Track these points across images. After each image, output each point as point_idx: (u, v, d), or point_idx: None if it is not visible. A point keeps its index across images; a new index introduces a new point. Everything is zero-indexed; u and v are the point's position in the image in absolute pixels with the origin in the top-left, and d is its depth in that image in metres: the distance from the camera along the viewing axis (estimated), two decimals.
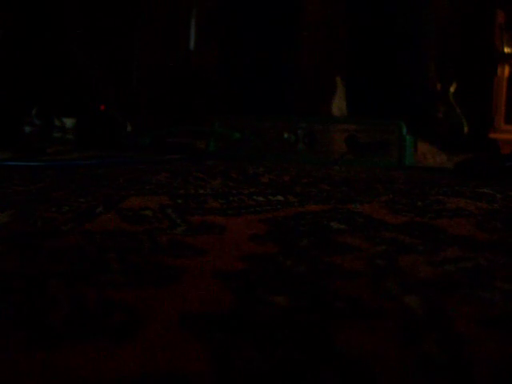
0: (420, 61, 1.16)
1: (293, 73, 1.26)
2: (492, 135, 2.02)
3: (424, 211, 0.44)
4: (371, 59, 1.15)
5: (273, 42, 1.20)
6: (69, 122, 1.26)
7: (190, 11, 2.06)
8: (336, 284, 0.25)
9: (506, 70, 2.05)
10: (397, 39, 1.13)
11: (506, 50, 2.02)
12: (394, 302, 0.22)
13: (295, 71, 1.28)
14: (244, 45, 1.26)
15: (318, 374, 0.16)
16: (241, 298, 0.22)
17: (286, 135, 0.92)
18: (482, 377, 0.16)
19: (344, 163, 0.88)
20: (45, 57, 1.62)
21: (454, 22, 1.86)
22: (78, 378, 0.16)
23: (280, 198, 0.48)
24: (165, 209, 0.42)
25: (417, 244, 0.32)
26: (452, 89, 1.88)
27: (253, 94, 1.22)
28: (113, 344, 0.18)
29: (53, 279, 0.24)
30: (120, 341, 0.18)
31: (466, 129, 1.87)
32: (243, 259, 0.28)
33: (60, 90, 1.56)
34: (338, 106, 2.20)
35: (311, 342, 0.18)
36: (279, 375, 0.16)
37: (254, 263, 0.28)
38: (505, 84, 2.05)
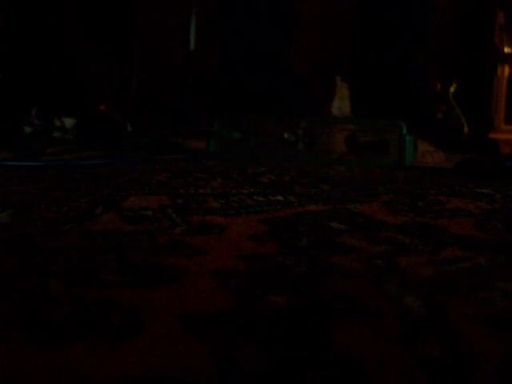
0: (422, 62, 1.17)
1: (287, 73, 1.27)
2: (492, 135, 2.02)
3: (424, 211, 0.44)
4: (375, 60, 1.15)
5: (269, 42, 1.21)
6: (69, 122, 1.26)
7: (190, 11, 2.06)
8: (336, 284, 0.25)
9: (506, 70, 2.05)
10: (401, 40, 1.14)
11: (506, 49, 2.02)
12: (394, 302, 0.22)
13: (289, 72, 1.29)
14: (243, 47, 1.26)
15: (318, 374, 0.16)
16: (241, 298, 0.22)
17: (286, 135, 0.92)
18: (482, 377, 0.16)
19: (344, 163, 0.88)
20: (45, 57, 1.62)
21: (454, 22, 1.87)
22: (78, 378, 0.16)
23: (280, 198, 0.48)
24: (165, 209, 0.42)
25: (417, 244, 0.32)
26: (452, 89, 1.88)
27: (253, 95, 1.22)
28: (113, 344, 0.18)
29: (53, 279, 0.24)
30: (120, 341, 0.18)
31: (465, 129, 1.88)
32: (243, 259, 0.28)
33: (60, 90, 1.56)
34: (338, 106, 2.20)
35: (311, 342, 0.18)
36: (280, 375, 0.16)
37: (253, 263, 0.28)
38: (505, 84, 2.05)
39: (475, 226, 0.38)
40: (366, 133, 0.89)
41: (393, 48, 1.14)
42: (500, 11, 2.01)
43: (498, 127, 2.05)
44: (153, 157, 0.88)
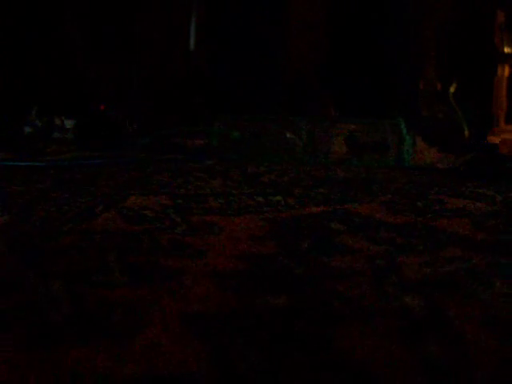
0: (405, 59, 1.16)
1: (281, 75, 1.27)
2: (492, 135, 2.01)
3: (424, 211, 0.44)
4: (353, 60, 1.15)
5: (263, 46, 1.21)
6: (69, 122, 1.26)
7: (190, 11, 2.06)
8: (336, 284, 0.25)
9: (506, 70, 2.05)
10: (380, 37, 1.13)
11: (506, 49, 2.02)
12: (394, 302, 0.22)
13: (286, 72, 1.29)
14: (236, 48, 1.26)
15: (318, 375, 0.16)
16: (240, 298, 0.22)
17: (287, 135, 0.92)
18: (481, 376, 0.16)
19: (344, 163, 0.88)
20: (45, 57, 1.62)
21: (454, 22, 1.86)
22: (78, 378, 0.16)
23: (279, 198, 0.48)
24: (165, 209, 0.42)
25: (417, 244, 0.32)
26: (452, 89, 1.88)
27: (251, 95, 1.22)
28: (113, 344, 0.18)
29: (53, 279, 0.24)
30: (120, 341, 0.18)
31: (465, 128, 1.87)
32: (243, 259, 0.28)
33: (60, 90, 1.56)
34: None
35: (311, 342, 0.18)
36: (279, 375, 0.16)
37: (253, 263, 0.28)
38: (505, 84, 2.05)
39: (475, 227, 0.38)
40: (366, 133, 0.89)
41: (369, 49, 1.13)
42: (500, 11, 2.01)
43: (498, 127, 2.04)
44: (153, 156, 0.88)
